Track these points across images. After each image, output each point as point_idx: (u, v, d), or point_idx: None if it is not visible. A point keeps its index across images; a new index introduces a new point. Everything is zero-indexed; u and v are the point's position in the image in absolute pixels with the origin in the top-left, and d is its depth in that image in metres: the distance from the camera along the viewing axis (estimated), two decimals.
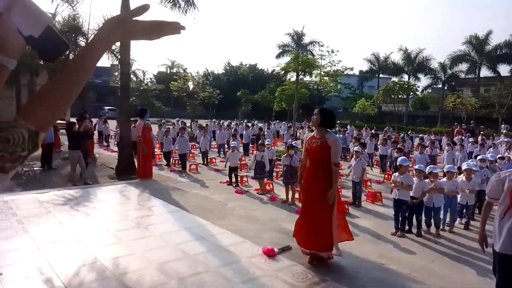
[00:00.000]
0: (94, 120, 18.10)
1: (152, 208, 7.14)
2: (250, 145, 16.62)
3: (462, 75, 39.12)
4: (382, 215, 7.80)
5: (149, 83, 38.08)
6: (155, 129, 14.77)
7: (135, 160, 10.59)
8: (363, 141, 16.93)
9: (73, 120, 11.30)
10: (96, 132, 17.22)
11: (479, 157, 8.84)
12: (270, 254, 4.79)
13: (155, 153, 14.04)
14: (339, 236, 4.74)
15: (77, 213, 6.40)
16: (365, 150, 14.89)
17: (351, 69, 27.03)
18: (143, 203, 7.47)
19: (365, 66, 46.40)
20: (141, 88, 35.97)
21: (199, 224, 6.08)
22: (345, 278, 4.30)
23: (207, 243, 5.18)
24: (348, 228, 5.10)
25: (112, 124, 19.67)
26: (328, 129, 4.79)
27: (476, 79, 38.50)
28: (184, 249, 4.90)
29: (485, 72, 37.65)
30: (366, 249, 5.63)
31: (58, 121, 15.16)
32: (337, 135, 16.00)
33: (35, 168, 10.58)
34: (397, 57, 49.01)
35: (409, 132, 21.83)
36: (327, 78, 25.73)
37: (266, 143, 10.85)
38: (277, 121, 29.67)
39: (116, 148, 12.81)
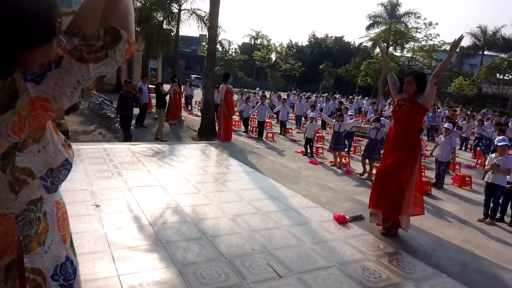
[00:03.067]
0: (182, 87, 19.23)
1: (230, 167, 7.45)
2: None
3: None
4: (469, 200, 7.17)
5: (233, 53, 38.93)
6: (235, 98, 15.22)
7: (216, 124, 11.09)
8: (457, 122, 15.44)
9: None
10: (183, 97, 18.32)
11: None
12: (341, 220, 4.72)
13: (234, 119, 14.52)
14: (412, 210, 4.45)
15: (163, 164, 6.97)
16: (461, 131, 13.59)
17: (450, 43, 24.42)
18: (221, 162, 7.84)
19: (467, 41, 41.45)
20: (226, 58, 36.96)
21: (272, 185, 6.20)
22: (421, 253, 4.07)
23: (279, 203, 5.28)
24: (423, 203, 4.76)
25: (197, 93, 20.70)
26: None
27: None
28: (256, 206, 5.06)
29: None
30: (448, 232, 5.24)
31: (151, 85, 16.46)
32: (428, 113, 14.84)
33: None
34: (509, 31, 42.76)
35: None
36: (420, 53, 23.62)
37: (349, 113, 10.50)
38: (360, 96, 28.37)
39: (199, 113, 13.51)
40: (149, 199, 4.98)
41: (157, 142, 9.38)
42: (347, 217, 4.79)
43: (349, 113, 10.45)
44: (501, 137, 6.41)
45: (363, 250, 4.01)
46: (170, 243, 3.75)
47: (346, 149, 10.17)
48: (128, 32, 1.10)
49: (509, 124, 14.40)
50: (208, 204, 4.97)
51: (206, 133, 10.82)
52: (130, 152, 7.62)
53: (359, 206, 5.47)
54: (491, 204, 5.95)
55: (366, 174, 8.12)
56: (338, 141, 9.04)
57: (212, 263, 3.44)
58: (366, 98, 24.74)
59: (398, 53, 29.89)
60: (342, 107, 12.94)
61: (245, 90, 22.35)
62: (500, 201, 5.97)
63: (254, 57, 32.18)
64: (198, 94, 19.79)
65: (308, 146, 9.92)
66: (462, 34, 4.31)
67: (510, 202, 6.04)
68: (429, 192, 7.31)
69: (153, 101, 13.37)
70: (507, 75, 25.75)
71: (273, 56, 33.10)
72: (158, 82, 12.37)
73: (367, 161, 8.18)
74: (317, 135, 10.93)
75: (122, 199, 4.90)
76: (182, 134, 11.95)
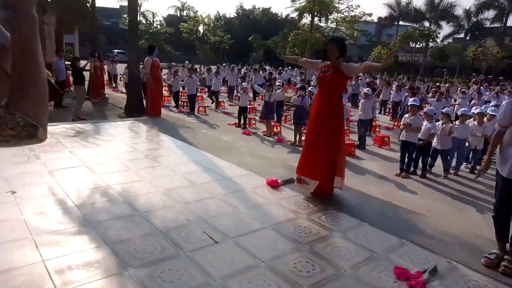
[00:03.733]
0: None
1: (160, 143, 7.25)
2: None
3: (487, 24, 37.01)
4: (388, 158, 7.83)
5: (158, 26, 37.07)
6: (164, 72, 14.65)
7: (144, 99, 10.60)
8: (376, 88, 16.57)
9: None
10: (105, 74, 17.14)
11: (492, 103, 8.61)
12: (274, 185, 4.90)
13: (164, 95, 14.02)
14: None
15: (87, 143, 6.55)
16: (380, 98, 14.65)
17: (370, 15, 25.81)
18: (151, 138, 7.59)
19: (384, 12, 44.08)
20: (151, 31, 35.09)
21: (206, 158, 6.18)
22: (346, 209, 4.41)
23: (213, 174, 5.30)
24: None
25: (121, 68, 19.48)
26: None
27: (502, 28, 36.45)
28: (190, 179, 5.02)
29: None
30: (370, 188, 5.71)
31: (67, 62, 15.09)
32: (352, 82, 15.69)
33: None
34: (420, 2, 46.24)
35: (427, 82, 21.13)
36: (343, 24, 24.58)
37: (277, 83, 10.69)
38: (290, 67, 28.99)
39: (125, 90, 12.80)
40: (74, 181, 4.68)
41: (78, 122, 8.73)
42: (279, 181, 4.98)
43: (277, 83, 10.63)
44: (412, 98, 7.03)
45: (295, 210, 4.23)
46: (99, 223, 3.59)
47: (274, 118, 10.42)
48: (43, 127, 1.00)
49: (421, 87, 15.78)
50: (139, 181, 4.82)
51: (133, 110, 10.31)
52: (48, 133, 7.01)
53: (290, 170, 5.70)
54: (406, 160, 6.58)
55: (297, 142, 8.44)
56: (269, 110, 9.23)
57: (147, 237, 3.38)
58: (295, 69, 25.35)
59: (323, 24, 30.86)
60: (272, 78, 13.14)
61: (173, 63, 21.57)
62: (413, 156, 6.63)
63: (181, 29, 31.02)
64: (122, 70, 18.66)
65: (241, 116, 9.99)
66: (395, 48, 4.61)
67: (421, 157, 6.72)
68: (354, 153, 7.85)
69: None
70: (418, 43, 28.11)
71: (201, 29, 32.20)
72: (74, 56, 11.35)
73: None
74: (249, 106, 11.03)
75: (42, 183, 4.54)
76: (108, 112, 11.25)
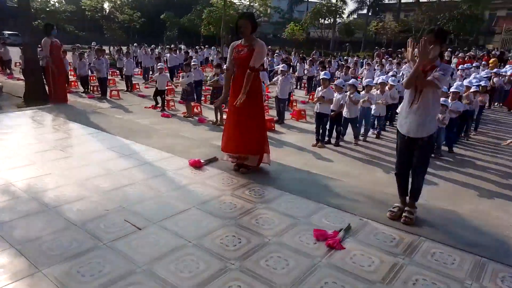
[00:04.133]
0: None
1: (69, 131, 6.67)
2: (176, 71, 15.89)
3: (386, 0, 40.23)
4: (305, 130, 8.23)
5: (56, 4, 33.37)
6: (68, 56, 13.32)
7: (45, 86, 9.57)
8: (292, 64, 17.15)
9: None
10: None
11: (391, 72, 9.49)
12: (197, 165, 4.85)
13: (70, 79, 12.82)
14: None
15: None
16: (295, 74, 15.23)
17: None
18: (58, 127, 6.92)
19: None
20: (47, 9, 31.46)
21: (122, 143, 5.86)
22: (268, 180, 4.56)
23: (131, 160, 5.06)
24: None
25: (16, 52, 17.26)
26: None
27: (398, 4, 39.97)
28: (106, 167, 4.73)
29: None
30: (290, 159, 5.97)
31: None
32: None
33: None
34: None
35: (338, 57, 22.42)
36: (257, 0, 24.70)
37: (193, 63, 10.43)
38: (206, 46, 28.44)
39: (23, 76, 11.40)
40: None
41: None
42: (202, 161, 4.95)
43: (192, 63, 10.38)
44: (323, 72, 7.42)
45: (220, 187, 4.26)
46: (2, 225, 3.22)
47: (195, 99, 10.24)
48: None
49: (332, 62, 16.74)
50: (48, 174, 4.40)
51: (34, 98, 9.25)
52: None
53: (213, 149, 5.69)
54: (321, 131, 6.99)
55: (218, 121, 8.42)
56: (189, 91, 9.01)
57: (61, 233, 3.13)
58: (212, 47, 24.94)
59: (236, 0, 30.67)
60: (188, 57, 12.81)
61: (77, 45, 19.73)
62: (327, 127, 7.06)
63: (83, 7, 28.31)
64: (18, 54, 16.56)
65: (158, 98, 9.61)
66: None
67: (334, 127, 7.19)
68: (273, 128, 8.11)
69: None
70: (327, 19, 29.61)
71: (106, 6, 29.76)
72: None
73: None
74: (166, 87, 10.64)
75: None
76: (3, 103, 9.96)
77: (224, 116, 7.89)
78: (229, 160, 4.96)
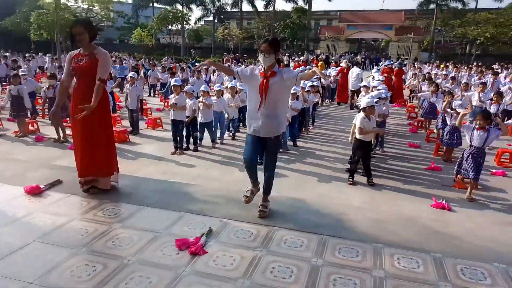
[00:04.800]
0: None
1: None
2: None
3: (229, 8, 42.63)
4: (163, 138, 8.05)
5: None
6: None
7: None
8: (143, 71, 16.53)
9: None
10: None
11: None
12: (35, 191, 4.20)
13: None
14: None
15: None
16: (148, 81, 14.72)
17: None
18: None
19: None
20: None
21: None
22: (124, 196, 4.29)
23: None
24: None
25: None
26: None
27: (240, 13, 42.85)
28: None
29: (246, 6, 42.23)
30: (148, 170, 5.75)
31: None
32: (116, 65, 15.00)
33: None
34: None
35: (190, 62, 22.55)
36: (97, 4, 22.88)
37: (22, 73, 9.00)
38: (41, 53, 24.93)
39: None
40: None
41: None
42: (42, 186, 4.32)
43: (21, 72, 8.97)
44: (176, 79, 7.39)
45: (66, 213, 3.79)
46: None
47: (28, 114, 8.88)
48: None
49: (184, 67, 16.75)
50: None
51: None
52: None
53: (56, 171, 5.04)
54: (178, 138, 6.95)
55: (61, 137, 7.48)
56: (20, 106, 7.74)
57: None
58: (48, 54, 21.97)
59: (72, 3, 27.81)
60: (16, 67, 10.98)
61: None
62: (184, 133, 7.06)
63: None
64: None
65: None
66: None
67: (191, 133, 7.24)
68: (128, 140, 7.67)
69: None
70: (174, 25, 29.61)
71: None
72: None
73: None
74: None
75: None
76: None
77: (69, 131, 7.09)
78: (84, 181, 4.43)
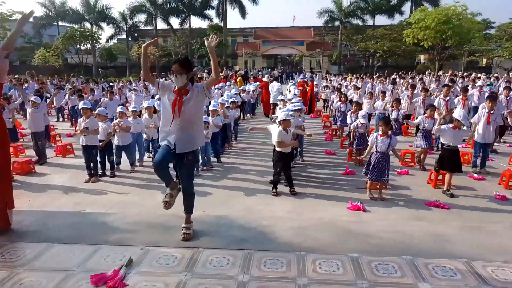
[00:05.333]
0: None
1: None
2: None
3: (142, 26, 41.59)
4: (75, 166, 7.44)
5: None
6: None
7: None
8: (48, 93, 15.22)
9: None
10: None
11: (157, 96, 9.83)
12: None
13: None
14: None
15: None
16: (53, 105, 13.55)
17: (21, 13, 22.89)
18: None
19: (41, 12, 40.41)
20: None
21: None
22: (28, 235, 3.84)
23: None
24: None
25: None
26: None
27: (154, 30, 42.07)
28: None
29: (161, 24, 41.67)
30: (59, 203, 5.25)
31: None
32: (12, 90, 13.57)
33: None
34: (75, 3, 45.55)
35: (102, 82, 21.25)
36: None
37: None
38: None
39: None
40: None
41: None
42: None
43: None
44: (82, 101, 6.92)
45: None
46: None
47: None
48: None
49: (94, 90, 15.73)
50: None
51: None
52: None
53: None
54: (92, 164, 6.47)
55: None
56: None
57: None
58: None
59: None
60: None
61: None
62: (98, 159, 6.60)
63: None
64: None
65: None
66: (32, 10, 4.07)
67: (106, 157, 6.80)
68: (34, 170, 6.96)
69: None
70: (83, 44, 27.91)
71: None
72: None
73: None
74: None
75: None
76: None
77: None
78: None
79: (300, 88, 13.92)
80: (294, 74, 31.78)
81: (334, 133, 10.24)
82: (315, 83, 16.11)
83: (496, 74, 23.03)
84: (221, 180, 6.39)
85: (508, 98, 8.96)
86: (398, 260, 3.32)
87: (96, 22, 38.96)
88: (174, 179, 3.93)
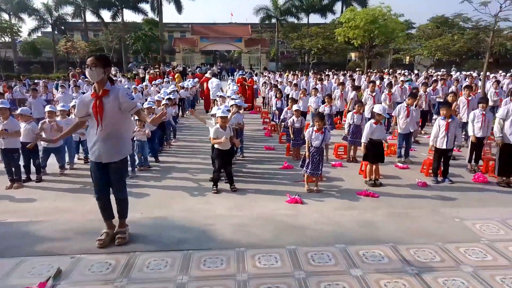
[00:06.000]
0: None
1: None
2: None
3: (70, 19, 38.68)
4: None
5: None
6: None
7: None
8: None
9: None
10: None
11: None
12: None
13: None
14: None
15: None
16: None
17: None
18: None
19: None
20: None
21: None
22: None
23: None
24: None
25: None
26: None
27: (84, 24, 39.41)
28: None
29: (91, 17, 39.07)
30: None
31: None
32: None
33: None
34: None
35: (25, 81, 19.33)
36: None
37: None
38: None
39: None
40: None
41: None
42: None
43: None
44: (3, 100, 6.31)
45: None
46: None
47: None
48: None
49: (13, 88, 14.32)
50: None
51: None
52: None
53: None
54: (13, 169, 5.92)
55: None
56: None
57: None
58: None
59: None
60: None
61: None
62: (21, 162, 6.06)
63: None
64: None
65: None
66: None
67: (32, 160, 6.26)
68: None
69: None
70: (0, 37, 25.32)
71: None
72: None
73: None
74: None
75: None
76: None
77: None
78: None
79: (239, 84, 13.99)
80: (234, 70, 31.82)
81: (273, 128, 10.46)
82: (254, 79, 16.31)
83: (416, 71, 25.18)
84: (160, 180, 6.22)
85: (426, 93, 9.83)
86: (332, 249, 3.50)
87: (15, 13, 35.34)
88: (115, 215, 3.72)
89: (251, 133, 10.32)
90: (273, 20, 41.95)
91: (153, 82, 14.91)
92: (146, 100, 8.50)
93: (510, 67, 27.68)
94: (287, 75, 19.17)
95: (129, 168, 6.30)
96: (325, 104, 9.02)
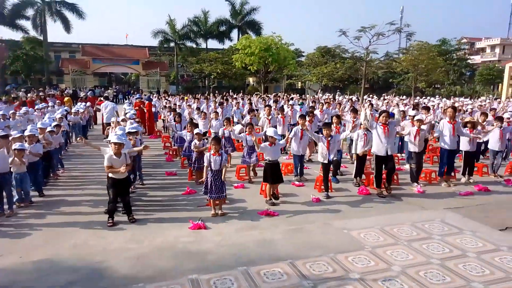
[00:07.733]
0: None
1: None
2: None
3: None
4: None
5: None
6: None
7: None
8: None
9: None
10: None
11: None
12: None
13: None
14: None
15: None
16: None
17: None
18: None
19: None
20: None
21: None
22: None
23: None
24: None
25: None
26: None
27: None
28: None
29: None
30: None
31: None
32: None
33: None
34: None
35: None
36: None
37: None
38: None
39: None
40: None
41: None
42: None
43: None
44: None
45: None
46: None
47: None
48: None
49: None
50: None
51: None
52: None
53: None
54: None
55: None
56: None
57: None
58: None
59: None
60: None
61: None
62: None
63: None
64: None
65: None
66: None
67: None
68: None
69: None
70: None
71: None
72: None
73: None
74: None
75: None
76: None
77: None
78: None
79: (137, 108, 13.44)
80: (131, 93, 30.46)
81: (174, 153, 10.23)
82: (152, 103, 15.86)
83: (307, 95, 27.58)
84: (44, 217, 5.52)
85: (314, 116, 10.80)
86: (234, 272, 3.52)
87: None
88: None
89: (151, 158, 9.93)
90: (172, 44, 41.68)
91: (36, 107, 13.39)
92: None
93: (383, 91, 32.27)
94: (187, 99, 19.13)
95: (5, 206, 5.51)
96: (224, 128, 9.20)
